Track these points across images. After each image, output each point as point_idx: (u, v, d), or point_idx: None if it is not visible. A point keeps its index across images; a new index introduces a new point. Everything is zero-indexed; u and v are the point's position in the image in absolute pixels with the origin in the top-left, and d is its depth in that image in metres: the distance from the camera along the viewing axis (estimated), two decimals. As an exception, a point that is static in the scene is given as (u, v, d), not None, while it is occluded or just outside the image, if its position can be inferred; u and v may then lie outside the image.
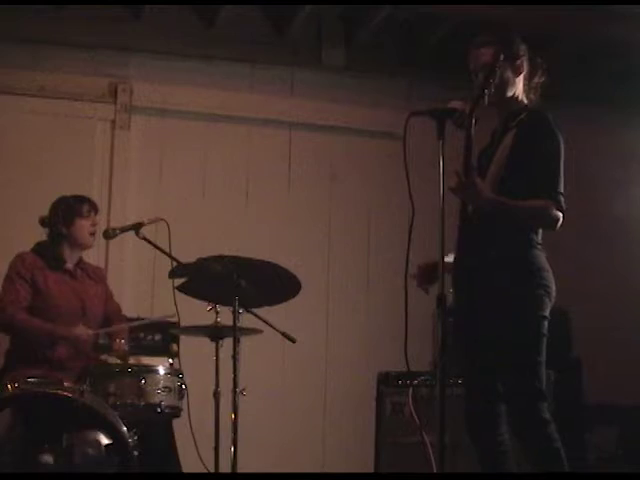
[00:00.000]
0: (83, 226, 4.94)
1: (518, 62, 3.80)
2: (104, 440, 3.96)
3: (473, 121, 3.49)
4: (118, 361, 4.83)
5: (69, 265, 4.98)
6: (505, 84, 3.76)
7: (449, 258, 3.73)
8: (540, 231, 3.75)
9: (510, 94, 3.80)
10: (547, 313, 3.66)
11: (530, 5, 5.95)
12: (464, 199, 3.64)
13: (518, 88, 3.82)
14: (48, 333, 4.72)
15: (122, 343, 4.91)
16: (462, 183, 3.51)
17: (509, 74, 3.77)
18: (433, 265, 3.65)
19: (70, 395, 4.00)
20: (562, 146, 3.69)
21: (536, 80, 3.88)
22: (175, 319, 4.79)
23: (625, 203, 7.03)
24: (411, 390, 5.10)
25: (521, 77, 3.83)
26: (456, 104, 3.51)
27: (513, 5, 5.95)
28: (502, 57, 3.61)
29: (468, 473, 3.88)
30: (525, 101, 3.85)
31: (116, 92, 6.42)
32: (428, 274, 3.81)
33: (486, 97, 3.54)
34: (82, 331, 4.74)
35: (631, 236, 7.04)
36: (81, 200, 5.00)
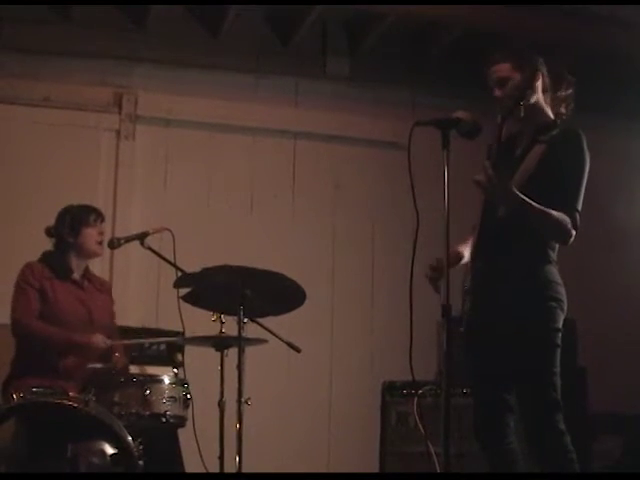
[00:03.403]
0: (90, 235, 4.94)
1: (535, 74, 3.81)
2: (109, 450, 3.95)
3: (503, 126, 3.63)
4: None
5: (76, 275, 4.98)
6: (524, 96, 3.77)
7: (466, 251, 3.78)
8: (556, 247, 3.78)
9: (531, 106, 3.80)
10: (560, 325, 3.70)
11: (531, 12, 5.97)
12: (491, 194, 3.63)
13: (539, 99, 3.83)
14: (65, 340, 4.72)
15: (120, 357, 4.89)
16: (492, 177, 3.52)
17: (526, 86, 3.78)
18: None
19: (75, 405, 3.99)
20: (588, 166, 3.73)
21: (562, 93, 3.90)
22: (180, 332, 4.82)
23: (628, 210, 7.03)
24: (416, 399, 5.11)
25: (539, 88, 3.84)
26: (460, 114, 3.53)
27: (514, 14, 5.97)
28: (519, 72, 3.69)
29: (469, 473, 3.89)
30: (551, 114, 3.86)
31: (121, 102, 6.43)
32: (440, 271, 3.80)
33: (522, 108, 3.59)
34: (100, 339, 4.75)
35: (635, 244, 7.04)
36: (87, 209, 5.00)
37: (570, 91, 3.92)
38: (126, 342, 4.99)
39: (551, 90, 3.89)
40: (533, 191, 3.63)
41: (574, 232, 3.67)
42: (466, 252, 3.91)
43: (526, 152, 3.80)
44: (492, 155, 3.64)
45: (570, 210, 3.66)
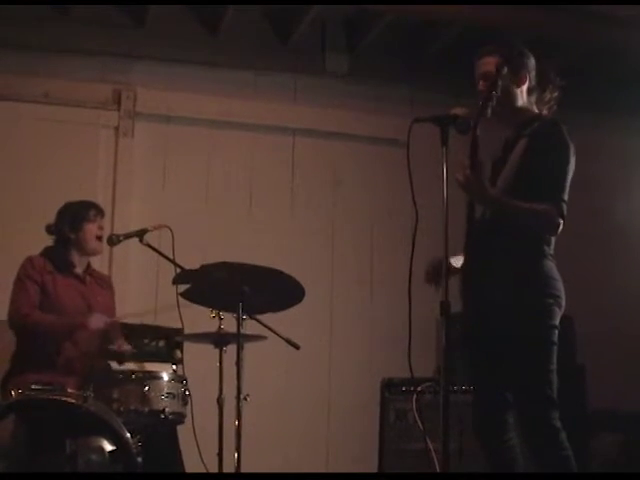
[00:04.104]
0: (90, 230, 4.95)
1: (521, 72, 3.82)
2: (108, 446, 3.96)
3: (477, 123, 3.55)
4: (119, 366, 4.84)
5: (78, 270, 4.99)
6: (507, 95, 3.77)
7: (457, 261, 3.75)
8: (552, 241, 3.76)
9: (515, 105, 3.81)
10: (557, 322, 3.69)
11: (531, 10, 5.96)
12: (469, 193, 3.65)
13: (524, 99, 3.83)
14: (64, 326, 4.72)
15: (122, 345, 4.90)
16: (468, 177, 3.52)
17: (510, 84, 3.78)
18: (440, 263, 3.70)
19: (74, 401, 4.00)
20: (572, 156, 3.72)
21: (547, 95, 3.89)
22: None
23: (627, 207, 7.04)
24: (415, 396, 5.10)
25: (524, 87, 3.84)
26: (458, 110, 3.53)
27: (514, 11, 5.97)
28: (505, 68, 3.66)
29: (469, 473, 3.89)
30: (535, 110, 3.86)
31: (120, 99, 6.43)
32: (437, 272, 3.80)
33: (489, 109, 3.58)
34: (98, 318, 4.75)
35: (633, 242, 7.04)
36: (87, 205, 5.01)
37: (556, 94, 3.91)
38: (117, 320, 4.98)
39: (537, 91, 3.88)
40: (520, 185, 3.65)
41: (561, 221, 3.65)
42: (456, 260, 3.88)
43: (512, 148, 3.80)
44: (471, 154, 3.63)
45: (555, 200, 3.64)
